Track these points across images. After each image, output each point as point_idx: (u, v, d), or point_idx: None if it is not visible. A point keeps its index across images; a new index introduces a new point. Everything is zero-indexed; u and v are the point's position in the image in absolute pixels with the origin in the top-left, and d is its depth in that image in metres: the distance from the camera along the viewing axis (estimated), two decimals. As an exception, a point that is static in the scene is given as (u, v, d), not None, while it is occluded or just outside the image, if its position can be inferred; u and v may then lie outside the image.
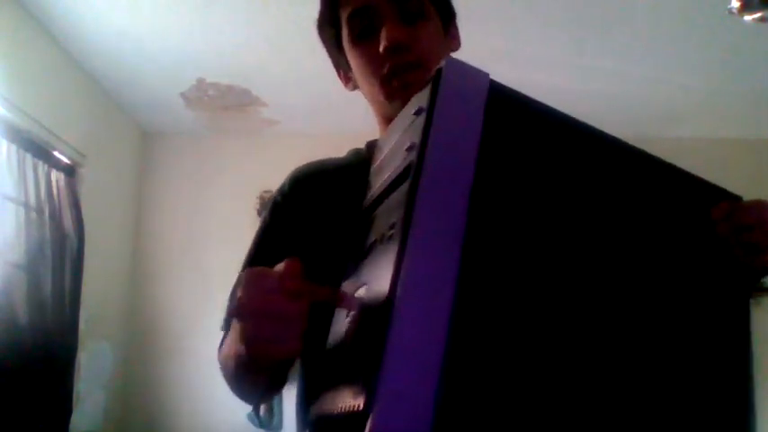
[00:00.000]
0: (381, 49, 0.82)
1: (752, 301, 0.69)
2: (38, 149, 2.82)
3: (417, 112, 0.57)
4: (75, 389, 2.93)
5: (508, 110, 0.57)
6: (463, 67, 0.57)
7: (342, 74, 0.96)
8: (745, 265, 0.69)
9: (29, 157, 2.74)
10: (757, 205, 0.71)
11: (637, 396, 0.56)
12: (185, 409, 3.63)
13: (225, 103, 3.51)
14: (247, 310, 0.55)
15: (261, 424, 3.48)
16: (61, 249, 2.89)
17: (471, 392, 0.49)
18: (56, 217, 2.87)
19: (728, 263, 0.68)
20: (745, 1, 2.19)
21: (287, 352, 0.55)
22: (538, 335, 0.54)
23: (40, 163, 2.83)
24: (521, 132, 0.58)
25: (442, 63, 0.57)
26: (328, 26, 0.92)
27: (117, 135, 3.69)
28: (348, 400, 0.50)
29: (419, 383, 0.46)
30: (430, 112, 0.54)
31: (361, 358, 0.51)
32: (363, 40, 0.85)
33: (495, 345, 0.51)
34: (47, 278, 2.76)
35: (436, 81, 0.56)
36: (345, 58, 0.91)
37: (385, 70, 0.83)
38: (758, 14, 2.24)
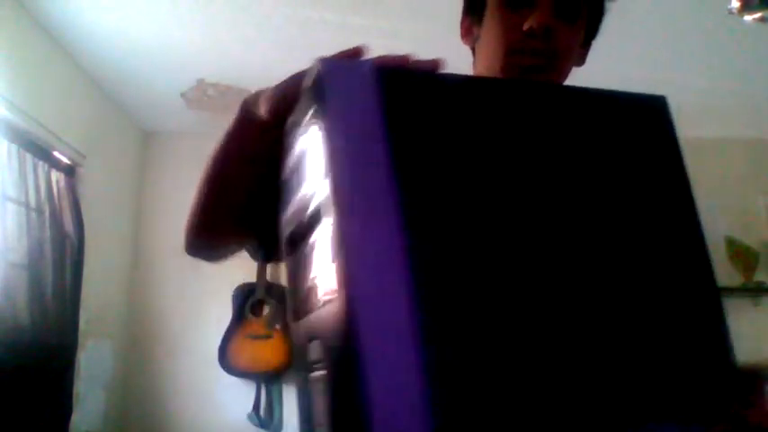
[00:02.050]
0: (526, 27, 0.82)
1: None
2: (38, 149, 2.82)
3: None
4: (75, 389, 2.93)
5: (402, 85, 0.55)
6: (339, 61, 0.55)
7: (466, 24, 0.96)
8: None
9: (29, 157, 2.74)
10: None
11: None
12: (185, 409, 3.63)
13: (225, 103, 3.51)
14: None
15: (261, 424, 3.47)
16: (61, 249, 2.89)
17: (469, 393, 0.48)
18: (56, 217, 2.87)
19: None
20: (745, 1, 2.19)
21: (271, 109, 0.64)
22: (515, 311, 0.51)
23: (41, 163, 2.83)
24: (421, 102, 0.55)
25: (318, 66, 0.51)
26: None
27: (117, 135, 3.69)
28: None
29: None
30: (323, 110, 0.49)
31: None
32: (513, 8, 0.86)
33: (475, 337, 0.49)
34: (47, 278, 2.76)
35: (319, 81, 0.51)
36: (483, 11, 0.90)
37: (516, 46, 0.84)
38: (758, 14, 2.24)
